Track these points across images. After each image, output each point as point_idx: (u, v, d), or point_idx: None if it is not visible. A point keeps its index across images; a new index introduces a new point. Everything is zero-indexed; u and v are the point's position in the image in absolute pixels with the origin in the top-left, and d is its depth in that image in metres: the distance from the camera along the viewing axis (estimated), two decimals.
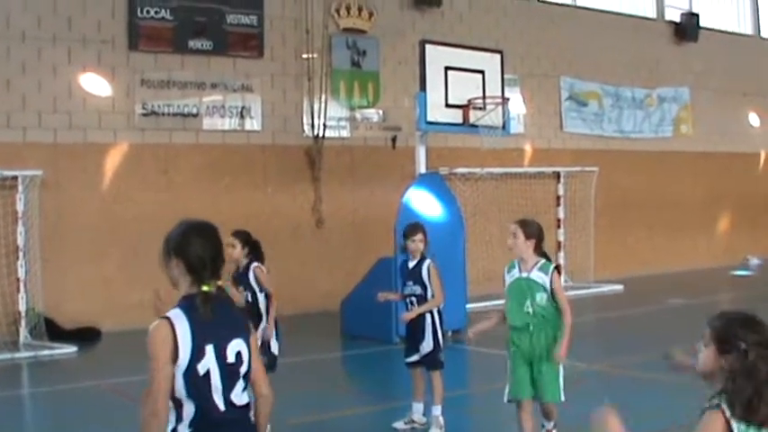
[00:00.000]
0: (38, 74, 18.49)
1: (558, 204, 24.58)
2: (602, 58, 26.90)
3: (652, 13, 29.21)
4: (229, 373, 4.61)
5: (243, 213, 19.27)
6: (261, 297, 10.21)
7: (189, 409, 4.54)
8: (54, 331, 17.10)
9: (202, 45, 20.16)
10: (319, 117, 21.28)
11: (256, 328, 9.36)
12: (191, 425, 4.55)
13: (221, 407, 4.58)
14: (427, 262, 10.58)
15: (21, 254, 17.23)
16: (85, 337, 17.34)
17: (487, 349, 16.03)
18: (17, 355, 16.24)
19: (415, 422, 10.62)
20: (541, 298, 8.64)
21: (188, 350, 4.49)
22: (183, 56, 20.00)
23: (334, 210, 21.36)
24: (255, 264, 10.24)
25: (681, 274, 26.15)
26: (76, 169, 18.56)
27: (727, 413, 4.30)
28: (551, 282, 8.66)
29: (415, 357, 10.63)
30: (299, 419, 10.87)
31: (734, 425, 4.31)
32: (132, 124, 19.39)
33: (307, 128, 21.36)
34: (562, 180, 24.70)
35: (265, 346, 9.57)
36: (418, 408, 10.67)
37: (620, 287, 23.51)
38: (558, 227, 24.41)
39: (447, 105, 17.38)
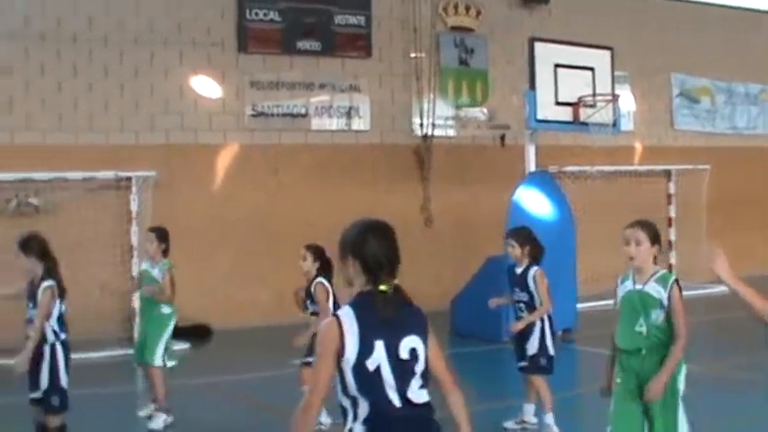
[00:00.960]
0: (150, 77, 18.82)
1: (669, 203, 24.10)
2: (713, 54, 26.34)
3: (765, 6, 28.60)
4: (402, 370, 4.63)
5: (351, 213, 19.19)
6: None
7: (363, 407, 4.58)
8: None
9: (311, 46, 20.27)
10: (427, 116, 21.25)
11: None
12: (365, 422, 4.58)
13: (397, 403, 4.60)
14: (534, 269, 10.42)
15: (134, 253, 17.46)
16: (198, 334, 17.55)
17: (598, 349, 15.96)
18: (131, 351, 16.47)
19: (526, 422, 10.56)
20: (657, 316, 7.21)
21: (355, 346, 4.54)
22: (291, 57, 20.16)
23: (442, 209, 21.28)
24: (320, 279, 10.53)
25: None
26: (188, 170, 18.83)
27: None
28: (670, 297, 7.18)
29: (523, 363, 10.51)
30: None
31: None
32: (242, 125, 19.63)
33: (415, 127, 21.36)
34: (673, 178, 24.23)
35: None
36: (529, 408, 10.58)
37: None
38: (669, 226, 23.82)
39: (557, 103, 17.31)
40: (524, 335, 10.42)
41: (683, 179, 24.36)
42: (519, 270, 10.51)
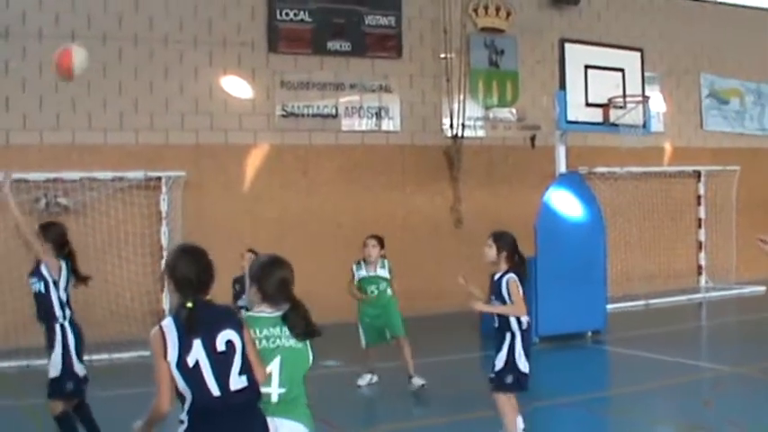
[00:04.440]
0: (180, 76, 18.19)
1: (699, 204, 23.51)
2: (743, 55, 25.34)
3: None
4: (220, 362, 5.09)
5: (382, 213, 18.82)
6: None
7: (188, 398, 5.05)
8: None
9: (341, 46, 19.61)
10: (458, 117, 20.46)
11: None
12: (189, 411, 5.05)
13: (216, 392, 5.05)
14: (508, 276, 8.92)
15: (164, 253, 16.91)
16: None
17: (628, 350, 15.24)
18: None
19: None
20: None
21: (176, 347, 5.03)
22: (321, 57, 19.51)
23: (472, 209, 20.42)
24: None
25: None
26: (218, 170, 18.25)
27: None
28: None
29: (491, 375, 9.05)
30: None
31: None
32: (272, 125, 18.99)
33: (445, 128, 20.61)
34: (703, 179, 23.56)
35: None
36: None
37: (762, 289, 22.09)
38: (699, 227, 23.47)
39: (587, 104, 16.69)
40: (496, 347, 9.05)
41: (712, 180, 23.76)
42: (496, 276, 9.11)
